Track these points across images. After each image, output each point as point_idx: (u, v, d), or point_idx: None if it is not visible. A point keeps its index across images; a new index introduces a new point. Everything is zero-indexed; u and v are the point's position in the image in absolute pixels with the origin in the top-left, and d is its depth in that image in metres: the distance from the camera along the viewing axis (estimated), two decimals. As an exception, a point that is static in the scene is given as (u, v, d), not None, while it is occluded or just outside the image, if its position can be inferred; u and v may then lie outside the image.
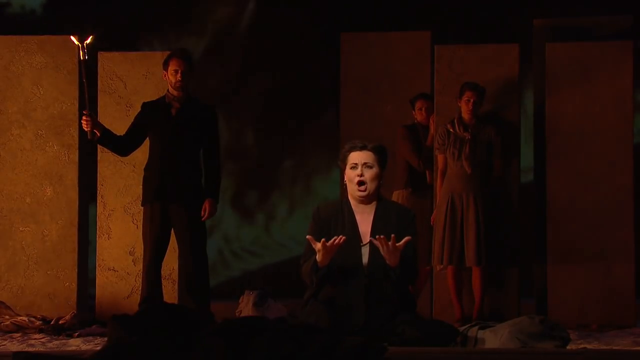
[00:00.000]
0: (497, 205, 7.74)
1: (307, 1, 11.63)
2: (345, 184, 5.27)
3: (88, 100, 6.74)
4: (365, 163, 5.21)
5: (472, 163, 7.66)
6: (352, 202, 5.24)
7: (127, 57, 8.10)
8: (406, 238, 5.00)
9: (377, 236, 5.00)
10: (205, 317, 6.47)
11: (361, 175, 5.19)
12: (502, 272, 7.90)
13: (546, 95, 8.12)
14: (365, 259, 5.12)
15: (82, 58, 6.61)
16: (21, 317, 7.34)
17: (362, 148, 5.24)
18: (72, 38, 6.72)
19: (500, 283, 7.92)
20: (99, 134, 6.87)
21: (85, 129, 6.83)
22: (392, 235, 4.99)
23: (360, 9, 11.20)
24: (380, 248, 4.99)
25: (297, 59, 11.48)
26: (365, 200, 5.22)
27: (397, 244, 4.98)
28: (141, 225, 7.17)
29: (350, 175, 5.22)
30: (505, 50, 8.11)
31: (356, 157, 5.22)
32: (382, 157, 5.26)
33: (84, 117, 6.80)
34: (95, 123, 6.86)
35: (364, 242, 5.16)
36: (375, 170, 5.21)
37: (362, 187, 5.19)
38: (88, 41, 6.54)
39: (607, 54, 8.07)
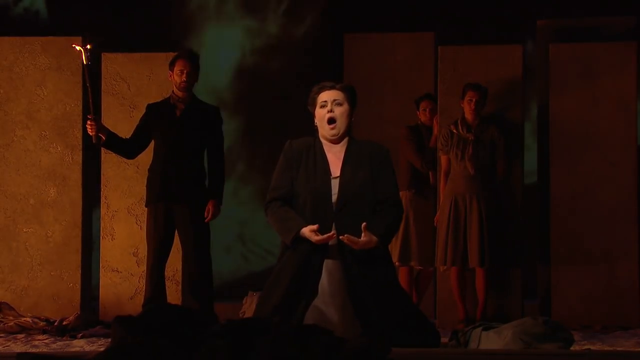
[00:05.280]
0: (500, 206, 7.74)
1: (311, 2, 11.63)
2: (316, 126, 5.25)
3: (93, 104, 6.73)
4: (334, 100, 5.20)
5: (475, 164, 7.66)
6: (324, 142, 5.24)
7: (130, 58, 8.11)
8: (363, 225, 4.98)
9: (345, 236, 4.98)
10: (209, 318, 6.46)
11: (331, 111, 5.18)
12: (506, 273, 7.90)
13: (550, 96, 8.12)
14: (334, 192, 5.11)
15: (85, 62, 6.61)
16: (25, 318, 7.35)
17: (331, 87, 5.24)
18: (75, 46, 6.71)
19: (504, 284, 7.91)
20: (104, 138, 6.86)
21: (90, 134, 6.82)
22: (363, 225, 4.98)
23: (363, 10, 11.20)
24: (353, 245, 4.99)
25: (300, 59, 11.48)
26: (336, 140, 5.21)
27: (362, 237, 4.98)
28: (145, 226, 7.18)
29: (321, 114, 5.21)
30: (508, 51, 8.11)
31: (325, 95, 5.22)
32: (351, 95, 5.25)
33: (88, 122, 6.79)
34: (99, 127, 6.84)
35: (334, 176, 5.15)
36: (345, 107, 5.20)
37: (333, 125, 5.18)
38: (90, 46, 6.54)
39: (611, 55, 8.07)
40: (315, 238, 5.00)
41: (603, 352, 5.46)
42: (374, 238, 5.03)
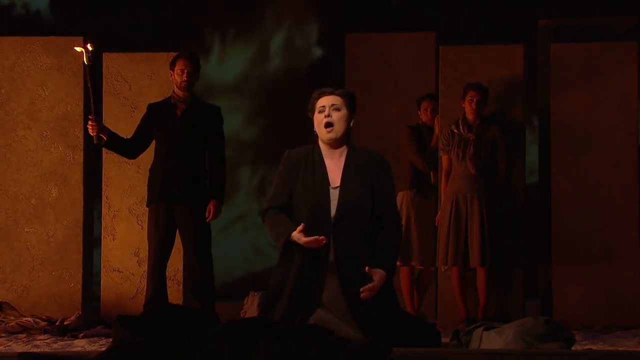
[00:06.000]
0: (501, 206, 7.74)
1: (312, 2, 11.64)
2: (315, 132, 5.25)
3: (93, 105, 6.73)
4: (332, 105, 5.19)
5: (476, 164, 7.66)
6: (323, 147, 5.22)
7: (132, 58, 8.11)
8: (365, 269, 4.98)
9: (361, 291, 4.96)
10: (210, 318, 6.46)
11: (328, 116, 5.18)
12: (507, 273, 7.90)
13: (551, 96, 8.12)
14: (334, 202, 5.09)
15: (86, 63, 6.61)
16: (26, 318, 7.35)
17: (330, 93, 5.24)
18: (75, 47, 6.70)
19: (505, 284, 7.91)
20: (105, 138, 6.86)
21: (91, 134, 6.82)
22: (367, 268, 4.98)
23: (365, 10, 11.20)
24: (373, 292, 4.98)
25: (302, 59, 11.49)
26: (334, 144, 5.19)
27: (374, 279, 4.98)
28: (146, 226, 7.18)
29: (319, 119, 5.21)
30: (509, 50, 8.11)
31: (324, 101, 5.22)
32: (350, 100, 5.24)
33: (89, 122, 6.79)
34: (101, 127, 6.85)
35: (334, 186, 5.12)
36: (343, 112, 5.20)
37: (330, 129, 5.17)
38: (91, 46, 6.53)
39: (612, 55, 8.06)
40: (303, 240, 4.99)
41: (604, 352, 5.45)
42: (383, 273, 5.02)
